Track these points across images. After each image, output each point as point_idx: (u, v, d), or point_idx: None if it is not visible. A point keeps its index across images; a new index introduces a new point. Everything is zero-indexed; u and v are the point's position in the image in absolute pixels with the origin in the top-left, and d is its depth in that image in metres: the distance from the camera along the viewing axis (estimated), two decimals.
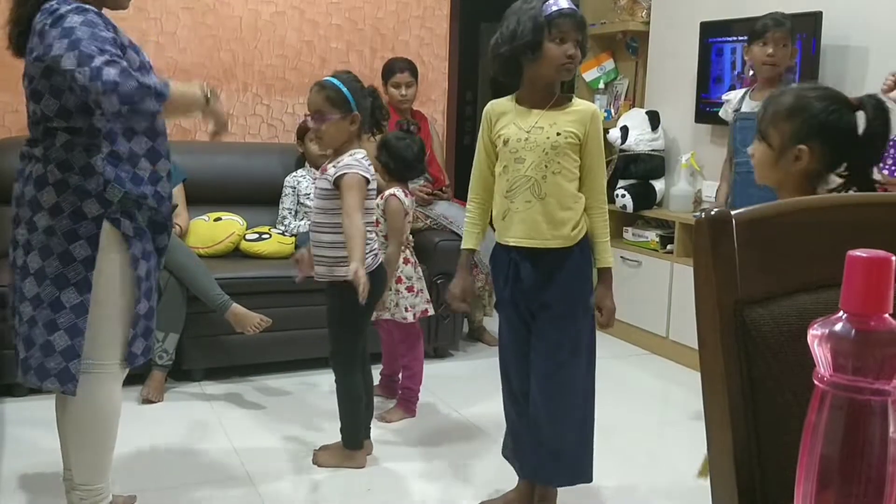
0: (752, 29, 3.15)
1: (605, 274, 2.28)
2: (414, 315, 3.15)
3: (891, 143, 2.73)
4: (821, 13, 3.42)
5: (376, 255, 2.69)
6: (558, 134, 2.17)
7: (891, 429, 0.62)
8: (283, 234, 3.88)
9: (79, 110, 1.94)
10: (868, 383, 0.61)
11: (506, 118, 2.24)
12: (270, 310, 3.37)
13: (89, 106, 1.90)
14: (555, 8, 2.13)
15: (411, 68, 4.13)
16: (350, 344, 2.67)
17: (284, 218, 3.95)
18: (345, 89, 2.51)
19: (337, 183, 2.50)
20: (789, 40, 3.11)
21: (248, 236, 3.81)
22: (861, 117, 1.68)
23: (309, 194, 3.94)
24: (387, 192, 3.08)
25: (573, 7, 2.18)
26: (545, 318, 2.26)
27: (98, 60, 1.79)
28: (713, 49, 4.04)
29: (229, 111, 4.31)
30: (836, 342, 0.62)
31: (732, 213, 0.89)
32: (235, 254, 3.78)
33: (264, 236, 3.81)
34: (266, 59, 4.35)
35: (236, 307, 3.29)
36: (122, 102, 1.78)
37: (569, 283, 2.24)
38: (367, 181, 2.54)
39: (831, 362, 0.62)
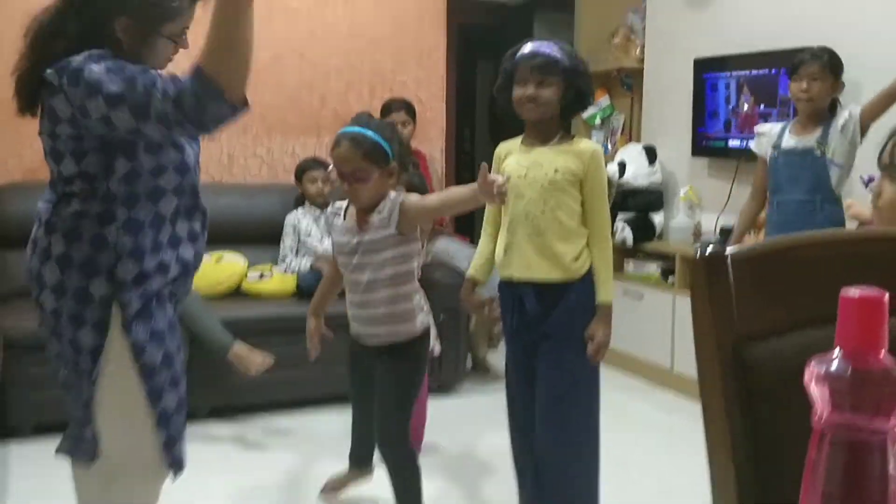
0: (791, 64, 3.13)
1: (602, 309, 2.28)
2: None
3: None
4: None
5: (426, 310, 2.44)
6: (556, 171, 2.23)
7: (890, 466, 0.63)
8: (284, 272, 3.90)
9: (100, 174, 1.67)
10: (866, 422, 0.62)
11: (511, 157, 2.34)
12: (273, 349, 3.37)
13: (111, 166, 1.66)
14: (519, 53, 2.26)
15: (407, 107, 4.18)
16: (408, 418, 2.35)
17: (286, 256, 3.97)
18: (382, 140, 2.24)
19: (399, 224, 2.23)
20: (825, 73, 3.04)
21: (249, 276, 3.82)
22: None
23: (310, 232, 3.96)
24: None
25: (536, 50, 2.23)
26: (546, 350, 2.29)
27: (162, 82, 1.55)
28: (708, 84, 4.09)
29: (230, 152, 4.36)
30: (833, 381, 0.63)
31: (728, 250, 0.90)
32: (237, 293, 3.79)
33: (266, 275, 3.83)
34: (267, 101, 4.40)
35: (239, 347, 3.29)
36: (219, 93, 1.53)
37: (570, 316, 2.26)
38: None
39: (829, 401, 0.63)
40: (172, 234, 1.76)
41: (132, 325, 1.69)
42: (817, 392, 0.64)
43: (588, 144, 2.31)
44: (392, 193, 2.29)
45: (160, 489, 1.83)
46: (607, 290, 2.27)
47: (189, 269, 1.82)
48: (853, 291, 0.63)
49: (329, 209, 2.48)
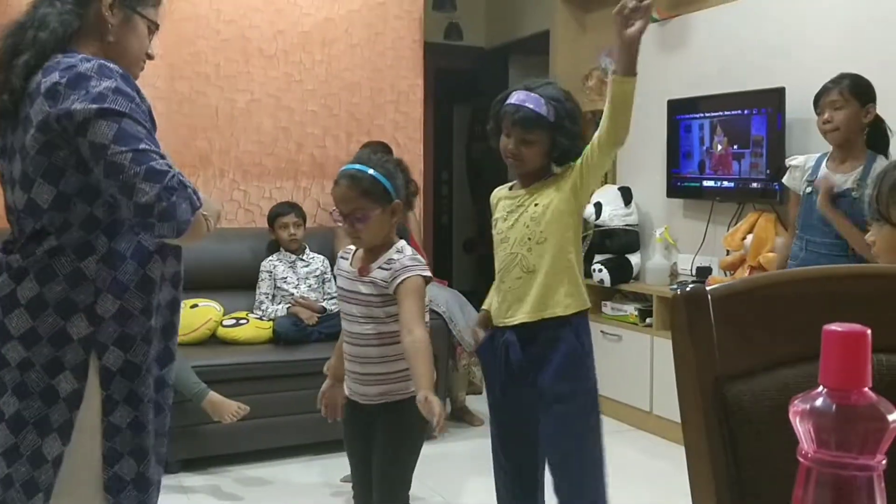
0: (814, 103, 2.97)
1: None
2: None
3: None
4: (784, 89, 3.52)
5: None
6: (536, 205, 2.19)
7: (877, 502, 0.61)
8: (260, 318, 3.85)
9: (80, 196, 1.53)
10: (852, 458, 0.61)
11: (500, 204, 2.30)
12: (248, 397, 3.32)
13: (94, 189, 1.52)
14: (506, 102, 2.18)
15: (385, 151, 4.19)
16: (410, 477, 2.21)
17: (262, 303, 3.92)
18: (381, 178, 2.12)
19: (395, 289, 2.09)
20: (846, 99, 2.85)
21: (225, 322, 3.77)
22: None
23: (286, 278, 3.93)
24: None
25: (521, 103, 2.15)
26: (543, 408, 2.22)
27: (168, 182, 1.46)
28: (681, 126, 4.14)
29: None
30: (818, 418, 0.62)
31: (707, 288, 0.89)
32: (212, 340, 3.74)
33: (242, 322, 3.78)
34: (242, 145, 4.40)
35: (213, 395, 3.24)
36: (178, 235, 1.48)
37: (563, 366, 2.18)
38: (427, 282, 2.14)
39: (814, 438, 0.62)
40: (162, 272, 1.63)
41: (114, 378, 1.55)
42: (802, 429, 0.63)
43: (561, 169, 2.23)
44: (407, 248, 2.16)
45: None
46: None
47: (176, 314, 1.71)
48: (836, 327, 0.63)
49: (340, 252, 2.33)
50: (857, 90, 2.87)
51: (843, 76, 2.91)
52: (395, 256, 2.11)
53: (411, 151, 4.79)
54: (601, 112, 5.01)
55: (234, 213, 4.40)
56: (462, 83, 6.84)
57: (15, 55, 1.55)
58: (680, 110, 4.13)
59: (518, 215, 2.21)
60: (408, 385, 2.09)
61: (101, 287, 1.54)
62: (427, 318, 2.14)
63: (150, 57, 1.74)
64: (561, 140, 2.16)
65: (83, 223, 1.53)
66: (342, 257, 2.26)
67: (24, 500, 1.53)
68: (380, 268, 2.11)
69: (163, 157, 1.50)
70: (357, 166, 2.14)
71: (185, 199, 1.47)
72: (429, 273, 2.15)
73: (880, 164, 2.81)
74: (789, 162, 3.16)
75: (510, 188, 2.31)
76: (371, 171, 2.11)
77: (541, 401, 2.21)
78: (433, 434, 2.00)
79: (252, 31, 4.38)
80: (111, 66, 1.53)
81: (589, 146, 2.16)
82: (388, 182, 2.12)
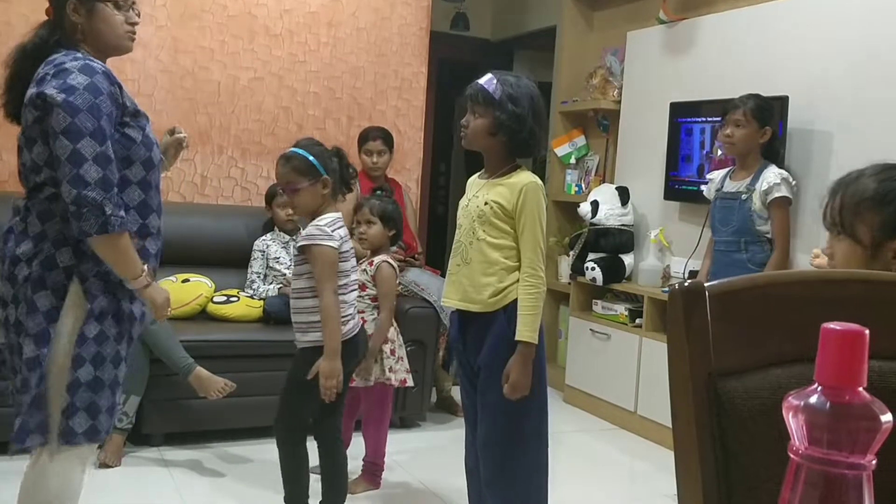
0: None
1: (520, 346, 2.20)
2: (396, 380, 3.12)
3: None
4: (787, 97, 3.53)
5: (355, 319, 2.64)
6: (485, 203, 2.25)
7: (866, 502, 0.62)
8: (251, 297, 3.84)
9: None
10: (843, 457, 0.61)
11: (469, 188, 2.39)
12: (235, 374, 3.31)
13: None
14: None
15: (385, 136, 4.18)
16: (305, 411, 2.63)
17: (253, 282, 3.91)
18: (309, 156, 2.51)
19: (302, 250, 2.51)
20: (748, 120, 3.21)
21: (215, 299, 3.76)
22: None
23: (279, 258, 3.92)
24: (377, 259, 3.09)
25: (475, 82, 2.27)
26: (482, 387, 2.31)
27: (85, 192, 1.82)
28: (682, 129, 4.14)
29: (203, 172, 4.32)
30: (811, 415, 0.62)
31: (706, 285, 0.89)
32: (202, 316, 3.73)
33: (232, 299, 3.77)
34: (243, 123, 4.38)
35: (200, 370, 3.23)
36: (83, 236, 1.86)
37: (494, 351, 2.26)
38: (334, 248, 2.49)
39: (806, 435, 0.62)
40: (141, 225, 1.97)
41: (95, 296, 1.91)
42: (794, 425, 0.63)
43: (523, 178, 2.25)
44: (325, 219, 2.51)
45: (78, 468, 1.96)
46: (526, 327, 2.20)
47: (150, 259, 2.01)
48: (835, 325, 0.63)
49: None
50: (758, 113, 3.23)
51: (749, 97, 3.25)
52: (310, 229, 2.52)
53: (412, 139, 4.78)
54: (603, 110, 5.01)
55: (231, 190, 4.39)
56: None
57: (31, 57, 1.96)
58: (681, 113, 4.13)
59: (473, 206, 2.28)
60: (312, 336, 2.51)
61: None
62: (345, 281, 2.54)
63: (135, 24, 2.03)
64: (501, 117, 2.21)
65: None
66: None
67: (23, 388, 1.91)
68: (304, 234, 2.53)
69: (106, 160, 1.84)
70: (291, 149, 2.58)
71: (94, 215, 1.82)
72: (334, 242, 2.48)
73: (770, 171, 3.25)
74: (708, 176, 3.61)
75: (479, 174, 2.38)
76: (299, 151, 2.54)
77: (480, 379, 2.31)
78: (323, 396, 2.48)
79: (259, 8, 4.36)
80: (95, 64, 1.89)
81: (519, 240, 2.24)
82: (315, 160, 2.51)
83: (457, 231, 2.35)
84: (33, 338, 1.89)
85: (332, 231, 2.50)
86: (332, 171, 2.55)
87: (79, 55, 1.91)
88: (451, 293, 2.34)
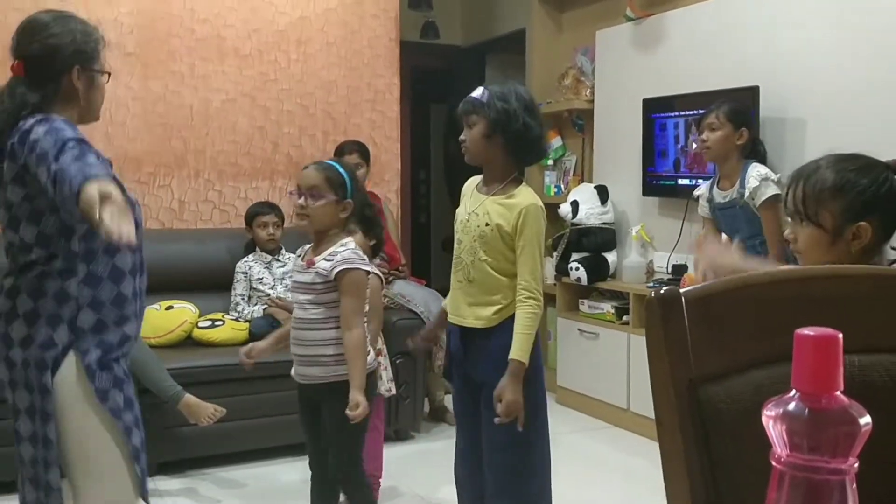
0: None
1: (511, 365, 2.19)
2: (384, 390, 3.11)
3: None
4: (758, 87, 3.55)
5: (372, 352, 2.48)
6: (486, 224, 2.24)
7: None
8: (236, 319, 3.82)
9: (58, 234, 1.84)
10: (824, 462, 0.61)
11: (466, 197, 2.36)
12: (224, 399, 3.29)
13: (68, 229, 1.83)
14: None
15: (361, 150, 4.16)
16: (361, 451, 2.45)
17: (238, 304, 3.89)
18: (346, 174, 2.37)
19: (337, 278, 2.30)
20: (721, 122, 3.21)
21: (200, 324, 3.74)
22: None
23: (261, 279, 3.91)
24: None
25: (468, 96, 2.26)
26: (485, 400, 2.28)
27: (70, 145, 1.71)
28: (657, 124, 4.16)
29: (181, 197, 4.30)
30: (790, 422, 0.62)
31: (682, 290, 0.90)
32: (188, 342, 3.70)
33: (217, 323, 3.75)
34: (218, 145, 4.36)
35: (189, 398, 3.21)
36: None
37: (494, 364, 2.23)
38: (369, 274, 2.40)
39: (787, 442, 0.62)
40: (134, 288, 1.94)
41: (96, 373, 1.86)
42: (775, 433, 0.63)
43: (523, 199, 2.23)
44: (351, 243, 2.37)
45: None
46: (519, 347, 2.18)
47: (139, 324, 2.02)
48: (808, 331, 0.63)
49: (297, 251, 2.55)
50: (732, 115, 3.22)
51: (723, 102, 3.27)
52: (339, 250, 2.33)
53: (388, 151, 4.78)
54: (577, 111, 5.02)
55: (210, 213, 4.36)
56: (439, 82, 6.83)
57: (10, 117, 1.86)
58: (655, 109, 4.15)
59: (473, 224, 2.26)
60: (346, 368, 2.32)
61: (83, 304, 1.85)
62: (367, 308, 2.44)
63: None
64: (492, 115, 2.20)
65: (65, 255, 1.84)
66: (297, 255, 2.50)
67: (44, 476, 1.89)
68: (324, 259, 2.32)
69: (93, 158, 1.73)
70: (330, 161, 2.46)
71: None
72: (369, 267, 2.39)
73: (751, 172, 3.19)
74: (696, 193, 3.55)
75: (477, 185, 2.35)
76: (338, 166, 2.39)
77: (483, 392, 2.29)
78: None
79: (227, 29, 4.35)
80: (64, 131, 1.79)
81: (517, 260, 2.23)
82: (349, 181, 2.36)
83: (456, 245, 2.33)
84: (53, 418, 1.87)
85: (362, 256, 2.39)
86: (355, 201, 2.40)
87: (53, 117, 1.83)
88: (453, 307, 2.35)
